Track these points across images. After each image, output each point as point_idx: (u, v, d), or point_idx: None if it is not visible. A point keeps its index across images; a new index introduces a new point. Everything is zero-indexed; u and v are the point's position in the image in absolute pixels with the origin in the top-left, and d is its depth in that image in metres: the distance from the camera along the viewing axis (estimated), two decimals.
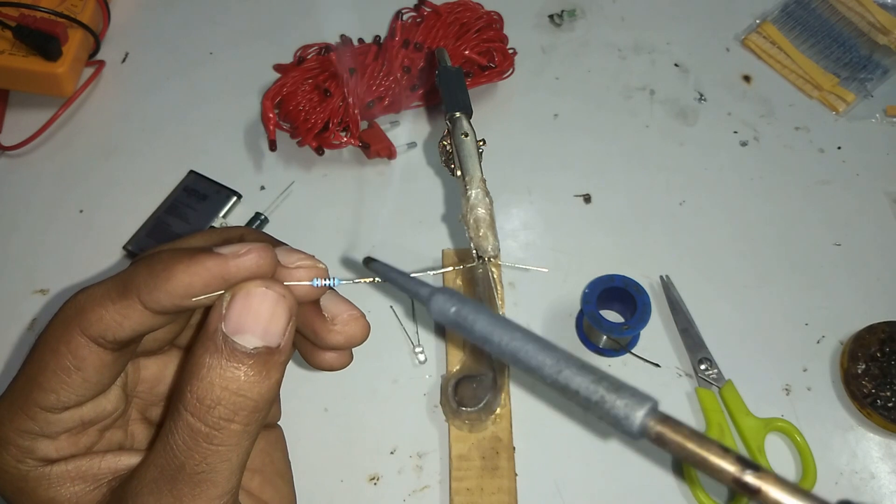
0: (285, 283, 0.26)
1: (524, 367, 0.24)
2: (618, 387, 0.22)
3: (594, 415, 0.23)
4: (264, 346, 0.25)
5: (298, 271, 0.27)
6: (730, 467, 0.21)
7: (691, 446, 0.21)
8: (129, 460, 0.27)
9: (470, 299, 0.26)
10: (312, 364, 0.31)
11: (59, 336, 0.25)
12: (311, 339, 0.29)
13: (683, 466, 0.54)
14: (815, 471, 0.54)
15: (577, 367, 0.23)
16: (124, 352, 0.27)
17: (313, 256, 0.28)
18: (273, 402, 0.26)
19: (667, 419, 0.22)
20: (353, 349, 0.30)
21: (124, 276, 0.25)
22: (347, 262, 0.64)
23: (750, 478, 0.20)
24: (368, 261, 0.29)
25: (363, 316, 0.29)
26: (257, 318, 0.25)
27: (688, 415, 0.57)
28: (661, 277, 0.62)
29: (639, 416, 0.21)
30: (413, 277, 0.27)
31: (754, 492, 0.20)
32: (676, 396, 0.58)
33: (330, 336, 0.29)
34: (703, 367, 0.58)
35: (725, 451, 0.21)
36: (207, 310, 0.25)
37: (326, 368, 0.31)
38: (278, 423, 0.34)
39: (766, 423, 0.55)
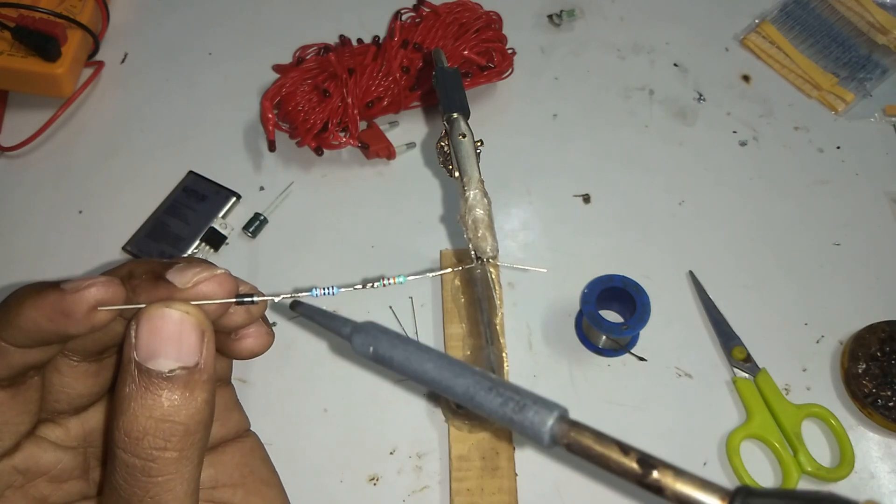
0: (197, 303, 0.25)
1: (442, 393, 0.25)
2: (522, 406, 0.23)
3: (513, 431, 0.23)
4: (180, 367, 0.24)
5: (198, 288, 0.25)
6: (633, 466, 0.21)
7: (596, 448, 0.22)
8: None
9: (386, 334, 0.27)
10: (234, 356, 0.30)
11: None
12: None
13: None
14: (852, 453, 0.54)
15: (487, 390, 0.24)
16: (20, 389, 0.26)
17: (211, 265, 0.26)
18: (209, 423, 0.25)
19: (574, 425, 0.22)
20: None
21: None
22: (346, 264, 0.64)
23: (652, 477, 0.21)
24: (295, 304, 0.29)
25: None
26: (166, 339, 0.24)
27: (729, 405, 0.57)
28: (691, 273, 0.62)
29: (546, 431, 0.22)
30: (335, 316, 0.28)
31: (658, 490, 0.21)
32: (713, 388, 0.58)
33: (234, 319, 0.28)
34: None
35: (626, 451, 0.21)
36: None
37: (247, 355, 0.29)
38: (250, 429, 0.33)
39: (801, 409, 0.56)
